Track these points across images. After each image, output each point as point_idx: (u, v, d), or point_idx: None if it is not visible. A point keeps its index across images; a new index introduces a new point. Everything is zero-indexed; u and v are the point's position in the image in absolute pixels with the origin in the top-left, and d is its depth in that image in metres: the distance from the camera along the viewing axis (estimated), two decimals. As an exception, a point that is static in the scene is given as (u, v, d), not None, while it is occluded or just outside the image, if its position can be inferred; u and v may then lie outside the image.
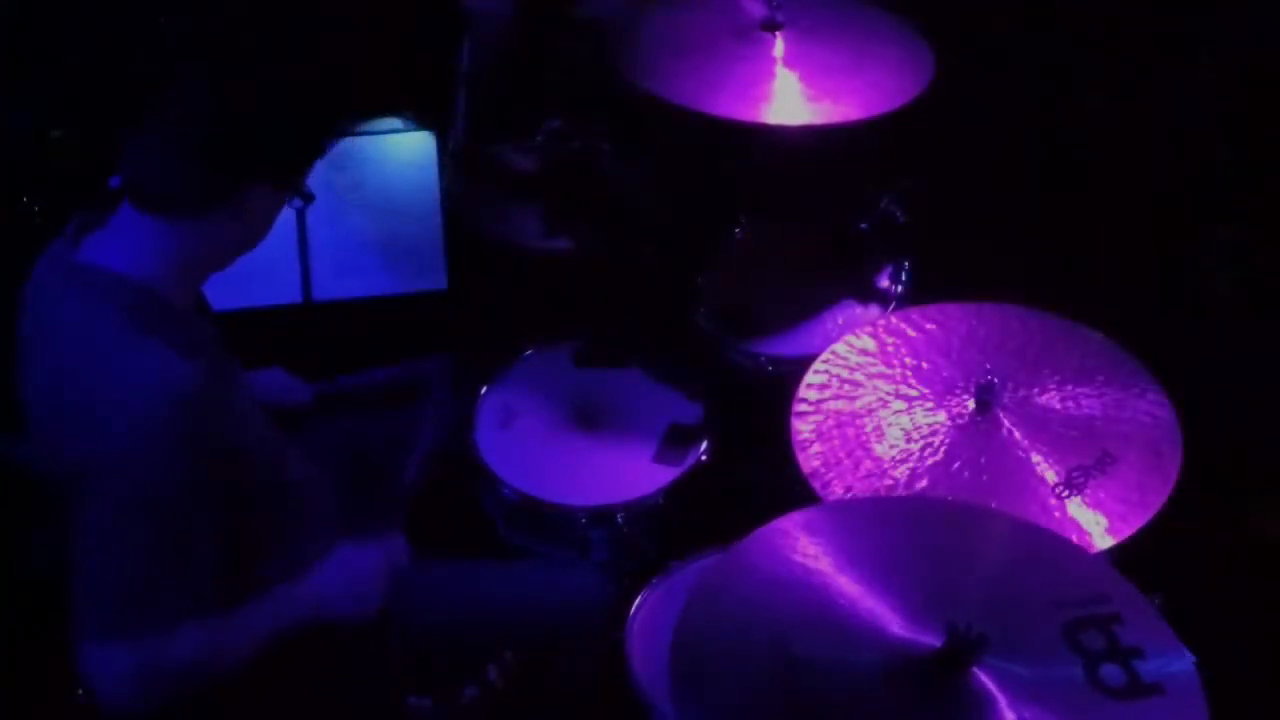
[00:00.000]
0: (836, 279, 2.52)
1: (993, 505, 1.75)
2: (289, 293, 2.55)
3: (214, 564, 1.66)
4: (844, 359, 2.05)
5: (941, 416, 1.93)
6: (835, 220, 2.64)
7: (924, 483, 1.83)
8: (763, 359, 2.39)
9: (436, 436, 2.16)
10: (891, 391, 1.98)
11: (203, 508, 1.62)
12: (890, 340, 2.07)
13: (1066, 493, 1.80)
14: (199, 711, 1.76)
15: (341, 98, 2.46)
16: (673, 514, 2.21)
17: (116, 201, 1.67)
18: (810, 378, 2.03)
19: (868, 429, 1.93)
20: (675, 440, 2.27)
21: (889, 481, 1.84)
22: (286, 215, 1.78)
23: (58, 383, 1.66)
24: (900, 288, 2.49)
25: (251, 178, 1.65)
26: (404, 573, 1.89)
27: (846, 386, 2.01)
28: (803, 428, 1.95)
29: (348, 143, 2.60)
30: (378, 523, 2.02)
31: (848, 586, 1.51)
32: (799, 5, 2.41)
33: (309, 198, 1.77)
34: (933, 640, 1.42)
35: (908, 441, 1.90)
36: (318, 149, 1.75)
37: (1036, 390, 1.95)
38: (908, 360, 2.03)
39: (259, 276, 2.50)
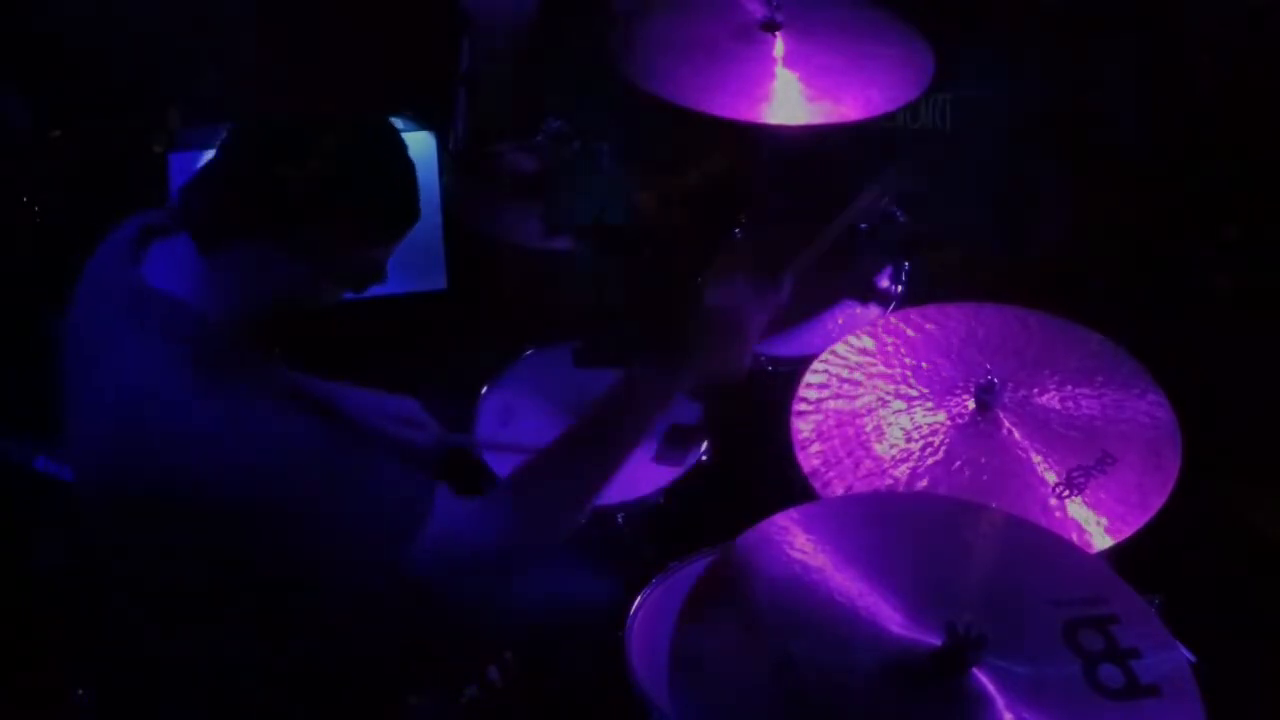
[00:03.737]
0: (836, 279, 2.52)
1: (993, 505, 1.75)
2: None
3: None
4: (844, 359, 2.06)
5: (941, 416, 1.93)
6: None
7: (924, 482, 1.83)
8: (763, 359, 2.39)
9: None
10: (891, 391, 1.98)
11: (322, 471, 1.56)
12: (890, 340, 2.07)
13: (1066, 493, 1.80)
14: (199, 710, 1.77)
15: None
16: (673, 514, 2.21)
17: (178, 222, 1.63)
18: (810, 377, 2.03)
19: (868, 428, 1.93)
20: (675, 440, 2.27)
21: (889, 481, 1.84)
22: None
23: (113, 406, 1.58)
24: (900, 288, 2.49)
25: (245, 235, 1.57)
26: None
27: (846, 386, 2.01)
28: (803, 427, 1.95)
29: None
30: None
31: (847, 585, 1.51)
32: (799, 5, 2.41)
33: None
34: (932, 640, 1.42)
35: (908, 441, 1.90)
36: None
37: (1036, 390, 1.95)
38: (908, 360, 2.03)
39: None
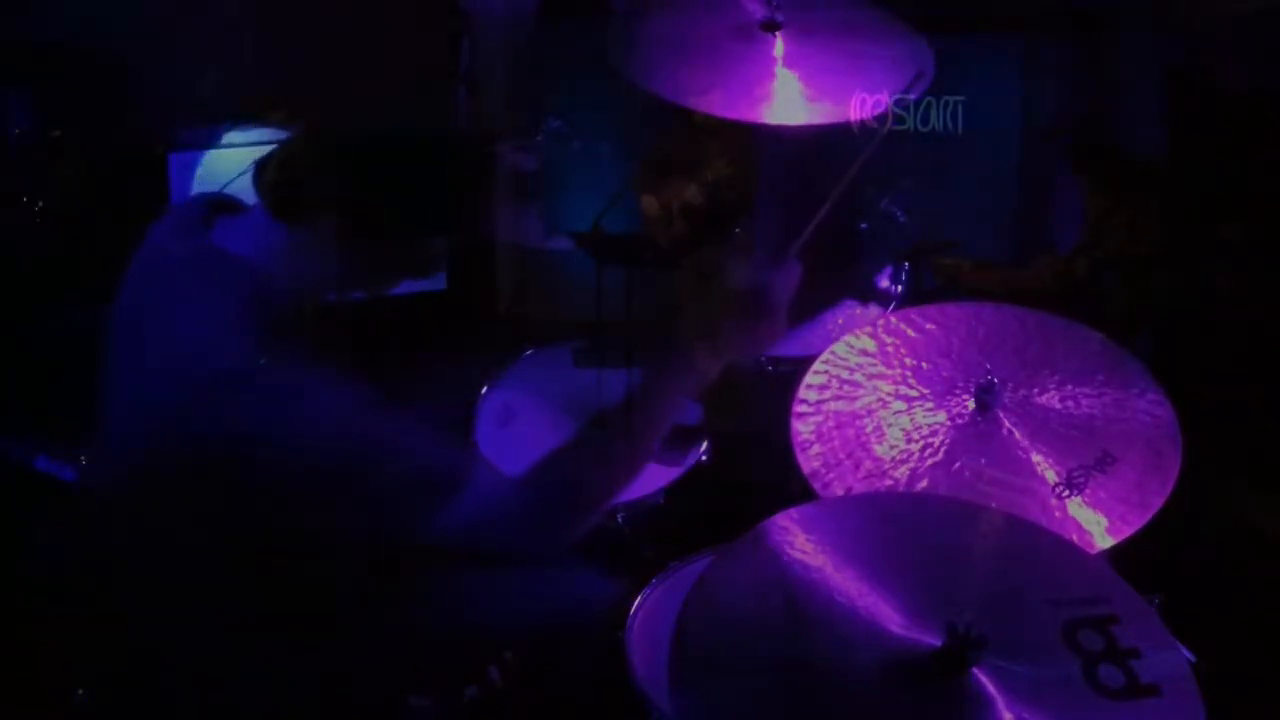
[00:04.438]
0: (836, 279, 2.52)
1: (993, 505, 1.75)
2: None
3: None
4: (844, 359, 2.06)
5: (941, 416, 1.93)
6: (835, 220, 2.64)
7: (924, 483, 1.83)
8: (763, 359, 2.39)
9: None
10: (891, 392, 1.98)
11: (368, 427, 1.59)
12: (890, 340, 2.07)
13: (1066, 493, 1.80)
14: (200, 709, 1.77)
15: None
16: (672, 514, 2.21)
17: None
18: (810, 378, 2.03)
19: (868, 429, 1.93)
20: (675, 440, 2.27)
21: (889, 482, 1.84)
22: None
23: (175, 358, 1.59)
24: (900, 288, 2.49)
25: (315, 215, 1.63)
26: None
27: (846, 387, 2.01)
28: (803, 428, 1.95)
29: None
30: None
31: (847, 585, 1.51)
32: (799, 5, 2.41)
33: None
34: (932, 640, 1.42)
35: (908, 442, 1.90)
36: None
37: (1036, 390, 1.95)
38: (908, 360, 2.03)
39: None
